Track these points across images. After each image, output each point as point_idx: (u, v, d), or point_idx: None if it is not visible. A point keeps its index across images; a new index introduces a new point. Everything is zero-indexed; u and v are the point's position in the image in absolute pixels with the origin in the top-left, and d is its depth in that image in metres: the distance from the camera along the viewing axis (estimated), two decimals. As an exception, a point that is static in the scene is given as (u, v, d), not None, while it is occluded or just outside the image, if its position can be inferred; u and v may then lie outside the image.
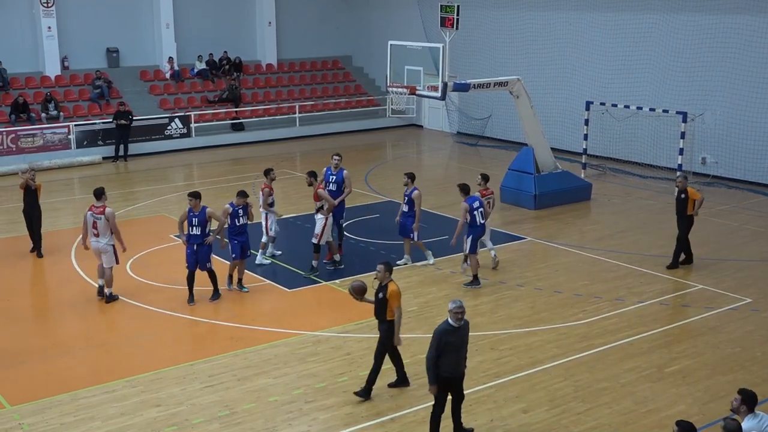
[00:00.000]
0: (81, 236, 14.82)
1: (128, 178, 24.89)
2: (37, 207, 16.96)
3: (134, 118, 27.45)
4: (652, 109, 22.96)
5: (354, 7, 35.36)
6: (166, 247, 17.63)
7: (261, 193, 16.45)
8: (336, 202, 16.36)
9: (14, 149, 25.84)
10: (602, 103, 23.91)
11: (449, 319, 9.43)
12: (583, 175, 23.30)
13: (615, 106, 23.56)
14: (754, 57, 22.46)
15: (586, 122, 23.84)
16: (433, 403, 9.83)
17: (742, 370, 11.96)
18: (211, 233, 14.42)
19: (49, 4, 28.35)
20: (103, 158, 26.91)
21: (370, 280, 15.45)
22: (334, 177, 16.60)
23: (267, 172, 16.65)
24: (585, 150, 24.07)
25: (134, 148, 27.56)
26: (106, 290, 14.49)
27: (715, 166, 23.48)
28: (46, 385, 11.53)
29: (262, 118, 30.99)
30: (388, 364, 12.04)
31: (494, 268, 16.10)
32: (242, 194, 14.79)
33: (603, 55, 26.19)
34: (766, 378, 11.69)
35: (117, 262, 14.56)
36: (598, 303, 14.47)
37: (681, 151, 22.07)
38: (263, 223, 16.49)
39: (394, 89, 20.09)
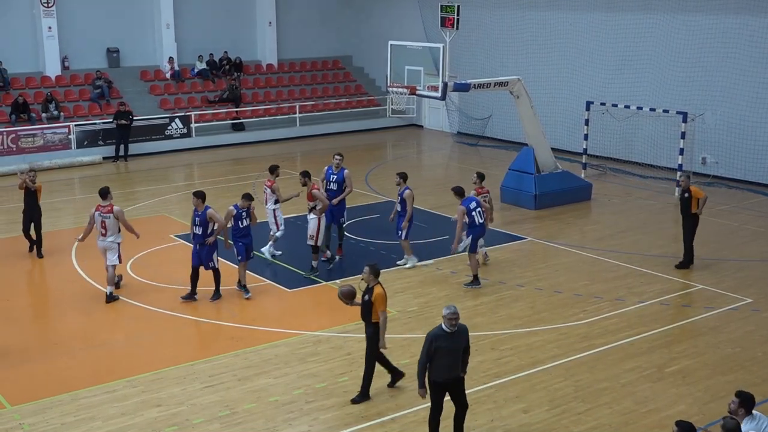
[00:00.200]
0: (82, 234, 14.89)
1: (129, 178, 24.89)
2: (37, 208, 16.95)
3: (134, 118, 27.46)
4: (652, 109, 22.97)
5: (354, 7, 35.36)
6: (166, 247, 17.64)
7: (268, 189, 16.48)
8: (335, 201, 16.40)
9: (14, 149, 25.85)
10: (602, 103, 23.91)
11: (443, 324, 9.37)
12: (583, 175, 23.30)
13: (615, 106, 23.56)
14: (754, 57, 22.46)
15: (587, 122, 23.85)
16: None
17: (743, 370, 11.96)
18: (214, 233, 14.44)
19: (50, 4, 28.36)
20: (104, 158, 26.92)
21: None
22: (335, 176, 16.62)
23: (273, 169, 16.66)
24: (585, 150, 24.08)
25: (135, 148, 27.56)
26: (107, 288, 14.54)
27: (715, 166, 23.49)
28: (46, 385, 11.54)
29: (262, 118, 30.99)
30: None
31: (485, 263, 16.12)
32: (247, 197, 14.70)
33: (603, 55, 26.19)
34: (766, 378, 11.70)
35: (120, 261, 14.64)
36: (599, 303, 14.47)
37: (681, 151, 22.08)
38: (272, 219, 16.63)
39: (395, 89, 20.10)
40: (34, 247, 17.12)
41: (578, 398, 11.08)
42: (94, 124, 27.45)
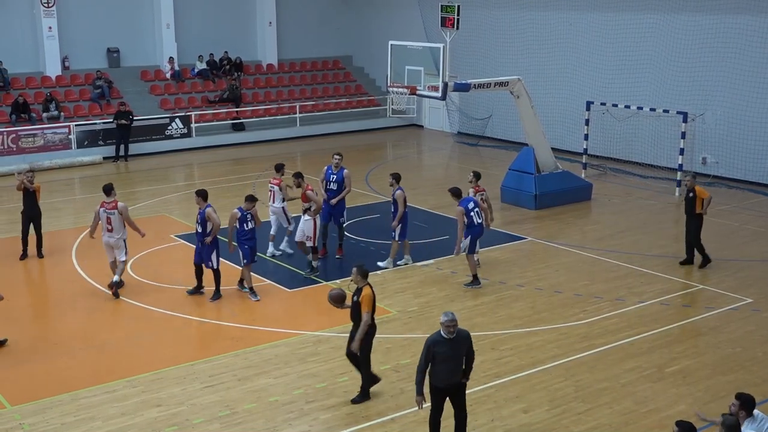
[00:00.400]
0: (89, 230, 15.16)
1: (129, 178, 24.88)
2: (36, 208, 16.94)
3: (135, 118, 27.46)
4: (652, 109, 22.97)
5: (354, 7, 35.36)
6: (166, 247, 17.64)
7: (275, 188, 16.53)
8: (334, 201, 16.44)
9: (15, 149, 25.85)
10: (603, 103, 23.91)
11: (441, 330, 9.21)
12: (583, 175, 23.30)
13: (615, 106, 23.56)
14: (754, 57, 22.46)
15: (587, 122, 23.85)
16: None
17: (743, 370, 11.96)
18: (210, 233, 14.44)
19: (50, 4, 28.37)
20: (104, 158, 26.93)
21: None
22: (335, 176, 16.62)
23: (279, 168, 16.70)
24: (585, 150, 24.08)
25: (135, 148, 27.57)
26: (115, 278, 14.75)
27: (715, 166, 23.48)
28: (46, 385, 11.54)
29: (262, 118, 30.99)
30: (385, 363, 12.05)
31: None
32: (251, 199, 14.58)
33: (603, 55, 26.19)
34: (766, 378, 11.70)
35: (126, 255, 14.93)
36: (599, 303, 14.47)
37: (681, 151, 22.08)
38: (283, 216, 16.76)
39: (395, 89, 20.10)
40: (27, 253, 16.94)
41: (578, 398, 11.08)
42: (95, 124, 27.45)
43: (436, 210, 20.36)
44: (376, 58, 33.37)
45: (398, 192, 15.91)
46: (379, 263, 16.22)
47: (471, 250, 15.08)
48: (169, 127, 28.67)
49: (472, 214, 14.96)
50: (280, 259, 16.74)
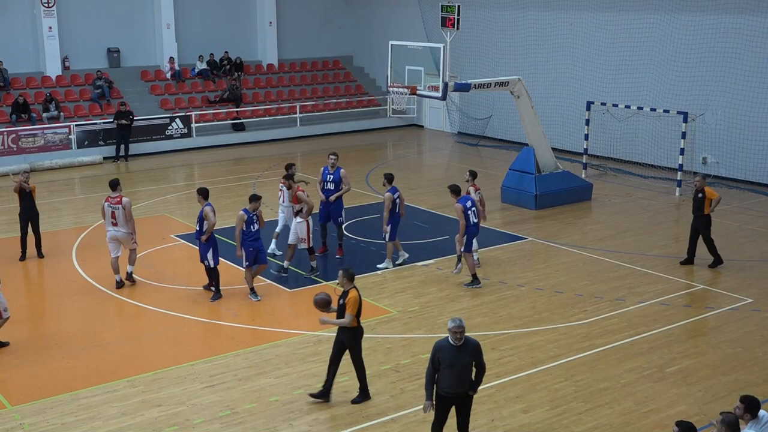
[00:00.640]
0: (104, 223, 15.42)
1: (129, 178, 24.87)
2: (34, 208, 16.93)
3: (135, 118, 27.46)
4: (653, 109, 22.97)
5: (355, 7, 35.37)
6: (167, 246, 17.64)
7: (284, 186, 16.58)
8: (332, 198, 16.45)
9: (15, 149, 25.86)
10: (603, 103, 23.91)
11: (449, 337, 8.99)
12: (583, 175, 23.30)
13: (616, 106, 23.56)
14: (754, 57, 22.46)
15: (587, 122, 23.84)
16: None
17: (743, 370, 11.95)
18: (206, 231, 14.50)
19: (50, 4, 28.37)
20: (104, 158, 26.93)
21: (366, 282, 15.52)
22: (332, 176, 16.63)
23: (288, 167, 16.74)
24: (586, 150, 24.08)
25: (135, 148, 27.57)
26: (129, 268, 15.14)
27: (715, 166, 23.48)
28: (46, 385, 11.54)
29: (262, 118, 30.99)
30: (385, 363, 12.05)
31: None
32: (255, 198, 14.49)
33: (604, 55, 26.19)
34: (766, 378, 11.69)
35: (137, 244, 15.25)
36: (599, 303, 14.47)
37: (682, 151, 22.08)
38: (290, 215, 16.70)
39: (395, 89, 20.09)
40: (27, 254, 16.95)
41: (578, 398, 11.08)
42: (95, 124, 27.46)
43: (436, 210, 20.36)
44: (376, 58, 33.39)
45: (387, 194, 15.96)
46: (379, 266, 16.22)
47: (467, 248, 15.09)
48: (170, 127, 28.67)
49: (469, 213, 14.98)
50: (280, 259, 16.73)
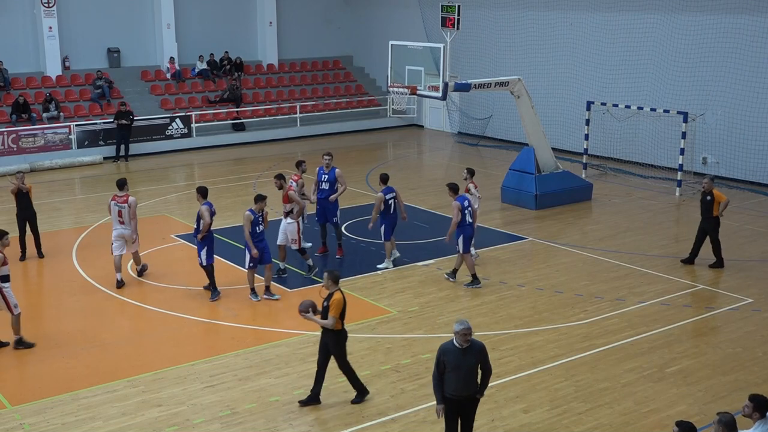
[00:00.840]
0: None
1: (129, 178, 24.65)
2: (31, 208, 16.92)
3: (135, 118, 27.46)
4: (653, 109, 22.96)
5: (355, 7, 35.37)
6: (167, 247, 17.64)
7: (294, 184, 16.59)
8: (332, 198, 16.47)
9: (15, 149, 25.86)
10: (603, 103, 23.91)
11: (454, 339, 8.83)
12: (584, 175, 23.30)
13: (616, 106, 23.56)
14: (754, 57, 22.46)
15: (587, 122, 23.84)
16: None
17: (743, 370, 11.95)
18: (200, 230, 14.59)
19: (50, 4, 28.37)
20: (104, 158, 26.93)
21: (366, 282, 15.52)
22: (327, 176, 16.63)
23: (299, 164, 16.78)
24: (586, 150, 24.07)
25: (135, 148, 27.57)
26: (138, 267, 15.61)
27: (716, 166, 23.48)
28: (47, 385, 11.54)
29: (262, 118, 30.99)
30: (385, 363, 12.05)
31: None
32: (260, 198, 14.44)
33: (604, 55, 26.19)
34: (766, 378, 11.69)
35: (136, 243, 15.50)
36: (599, 303, 14.47)
37: (682, 151, 22.07)
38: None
39: (395, 89, 20.09)
40: (26, 254, 16.94)
41: (579, 398, 11.08)
42: (95, 124, 27.46)
43: (436, 210, 20.35)
44: (376, 58, 33.39)
45: (378, 194, 16.03)
46: (379, 266, 16.22)
47: (466, 248, 15.11)
48: (170, 127, 28.67)
49: (465, 212, 15.03)
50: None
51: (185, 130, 28.93)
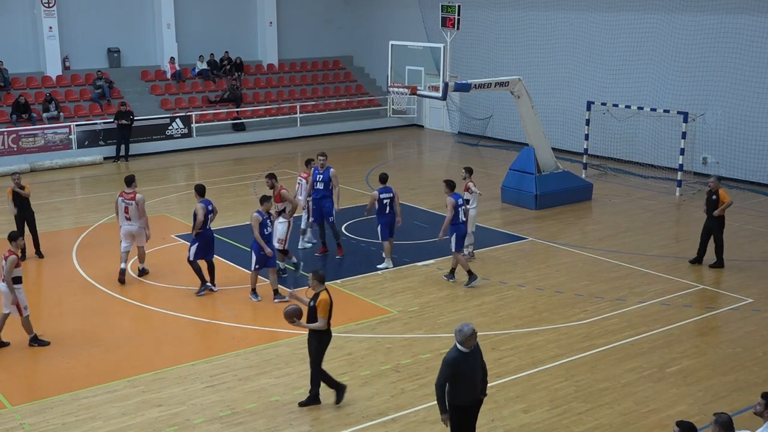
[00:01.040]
0: (117, 218, 15.75)
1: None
2: (29, 208, 16.91)
3: (135, 118, 27.47)
4: (653, 109, 22.96)
5: (355, 7, 35.37)
6: (167, 247, 17.63)
7: (303, 181, 16.76)
8: (337, 207, 16.51)
9: (15, 149, 25.86)
10: (603, 103, 23.91)
11: (460, 345, 8.60)
12: (584, 175, 23.30)
13: (616, 106, 23.56)
14: (755, 57, 22.46)
15: (587, 122, 23.84)
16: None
17: (744, 370, 11.95)
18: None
19: (51, 5, 28.37)
20: (105, 158, 26.94)
21: (366, 282, 15.53)
22: (321, 176, 16.64)
23: (309, 163, 16.94)
24: (586, 150, 24.07)
25: (135, 148, 27.58)
26: (140, 265, 15.74)
27: (716, 166, 23.47)
28: (47, 385, 11.55)
29: (263, 118, 31.00)
30: (385, 363, 12.05)
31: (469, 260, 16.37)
32: (266, 199, 14.44)
33: (604, 55, 26.20)
34: (767, 378, 11.69)
35: (148, 238, 15.72)
36: (600, 303, 14.47)
37: (682, 151, 22.07)
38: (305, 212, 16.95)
39: (395, 89, 20.09)
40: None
41: (579, 398, 11.08)
42: (95, 124, 27.46)
43: (436, 210, 20.35)
44: (376, 58, 33.38)
45: (373, 193, 16.07)
46: (379, 266, 16.21)
47: (458, 247, 15.13)
48: (170, 127, 28.68)
49: (459, 210, 15.09)
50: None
51: (185, 130, 28.94)
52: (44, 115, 27.18)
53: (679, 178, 22.17)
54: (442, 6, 20.22)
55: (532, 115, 20.68)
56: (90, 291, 15.14)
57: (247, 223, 18.68)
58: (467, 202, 16.14)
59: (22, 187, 16.75)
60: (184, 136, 28.90)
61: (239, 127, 30.42)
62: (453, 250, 15.20)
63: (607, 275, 15.90)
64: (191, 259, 14.69)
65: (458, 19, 19.71)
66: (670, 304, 14.44)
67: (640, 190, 22.68)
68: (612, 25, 25.90)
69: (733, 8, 22.66)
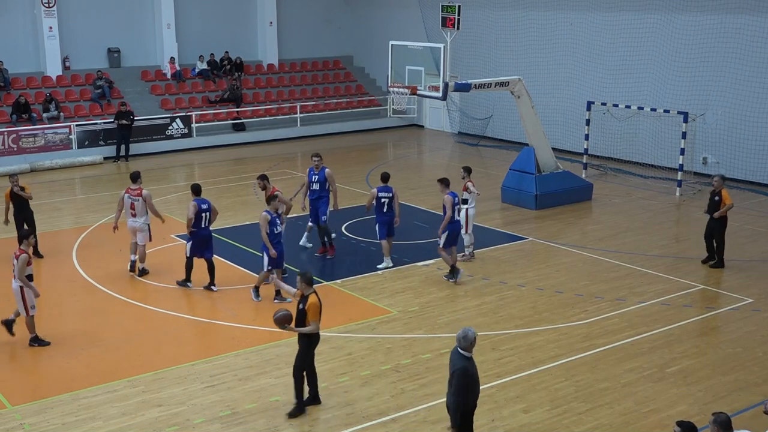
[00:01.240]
0: (114, 218, 15.89)
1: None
2: (28, 208, 16.91)
3: (135, 118, 27.46)
4: (653, 109, 22.96)
5: (355, 7, 35.37)
6: (167, 247, 17.63)
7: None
8: (337, 206, 16.49)
9: (15, 149, 25.85)
10: (603, 103, 23.91)
11: (464, 350, 8.55)
12: (584, 175, 23.30)
13: (616, 106, 23.55)
14: (755, 57, 22.46)
15: (587, 122, 23.84)
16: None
17: (744, 370, 11.95)
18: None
19: (51, 5, 28.37)
20: (105, 158, 26.94)
21: (366, 282, 15.52)
22: (317, 177, 16.64)
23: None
24: (586, 150, 24.07)
25: (135, 148, 27.57)
26: (139, 265, 15.75)
27: (716, 166, 23.46)
28: (47, 385, 11.55)
29: (263, 119, 30.99)
30: (386, 363, 12.04)
31: (468, 260, 16.49)
32: (273, 198, 14.35)
33: (604, 55, 26.19)
34: (766, 378, 11.69)
35: (150, 239, 15.84)
36: (600, 303, 14.47)
37: (682, 151, 22.07)
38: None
39: (395, 89, 20.09)
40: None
41: (579, 398, 11.07)
42: (95, 124, 27.46)
43: (436, 210, 20.32)
44: (376, 58, 33.38)
45: (372, 191, 16.13)
46: (379, 266, 16.21)
47: (447, 244, 15.18)
48: (170, 127, 28.67)
49: (456, 207, 15.12)
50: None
51: (185, 130, 28.93)
52: (44, 115, 27.18)
53: (679, 178, 22.16)
54: (442, 6, 20.22)
55: (533, 115, 20.68)
56: (90, 291, 15.14)
57: (248, 223, 18.77)
58: (465, 201, 16.19)
59: (23, 189, 16.75)
60: (184, 136, 28.90)
61: (239, 127, 30.42)
62: (440, 245, 15.27)
63: (607, 275, 15.90)
64: (187, 255, 14.94)
65: (458, 19, 19.71)
66: (671, 304, 14.44)
67: (640, 190, 22.68)
68: (612, 25, 25.90)
69: (733, 8, 22.66)
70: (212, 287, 14.92)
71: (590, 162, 24.37)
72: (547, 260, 16.93)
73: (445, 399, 9.09)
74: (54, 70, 28.98)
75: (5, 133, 25.73)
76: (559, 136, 26.53)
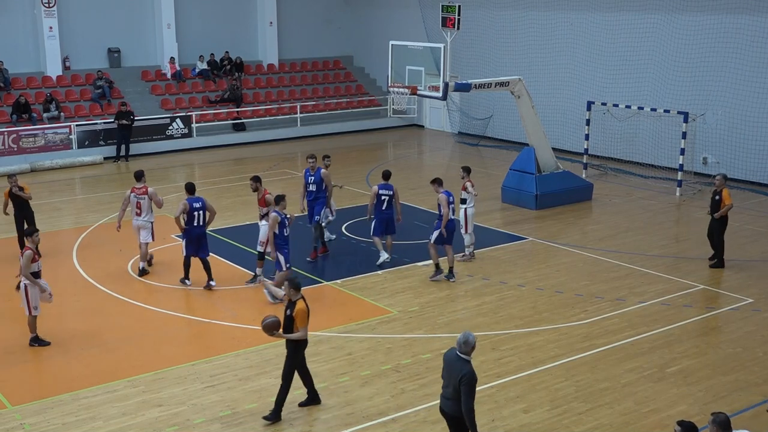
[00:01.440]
0: (117, 218, 16.00)
1: (129, 178, 24.74)
2: (28, 208, 16.91)
3: (135, 118, 27.46)
4: (653, 109, 22.96)
5: (355, 7, 35.37)
6: (167, 247, 17.63)
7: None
8: (329, 198, 16.51)
9: (15, 149, 25.86)
10: (603, 103, 23.91)
11: (465, 354, 8.51)
12: (584, 175, 23.30)
13: (616, 106, 23.56)
14: (755, 57, 22.46)
15: (588, 122, 23.84)
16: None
17: (744, 370, 11.95)
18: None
19: (51, 5, 28.38)
20: (105, 158, 26.94)
21: (366, 282, 15.52)
22: (313, 177, 16.65)
23: (324, 158, 17.13)
24: (586, 150, 24.07)
25: (135, 148, 27.57)
26: (141, 264, 15.79)
27: (716, 166, 23.46)
28: (47, 385, 11.56)
29: (263, 119, 30.99)
30: (386, 363, 12.04)
31: (468, 260, 16.51)
32: (281, 198, 14.29)
33: (604, 55, 26.19)
34: (767, 378, 11.69)
35: (152, 239, 15.94)
36: (600, 303, 14.47)
37: (682, 151, 22.07)
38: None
39: (396, 89, 20.09)
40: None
41: (579, 398, 11.07)
42: (95, 124, 27.46)
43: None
44: (376, 58, 33.37)
45: (373, 188, 16.15)
46: (378, 263, 16.21)
47: (438, 241, 15.20)
48: (170, 127, 28.68)
49: (452, 206, 15.16)
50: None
51: (185, 130, 28.93)
52: (44, 115, 27.18)
53: (679, 178, 22.16)
54: (442, 6, 20.22)
55: (533, 115, 20.68)
56: (90, 291, 15.15)
57: (247, 223, 18.78)
58: (463, 201, 16.20)
59: (22, 189, 16.75)
60: (184, 136, 28.90)
61: (239, 127, 30.42)
62: (431, 241, 15.30)
63: (607, 275, 15.90)
64: (184, 253, 15.08)
65: (458, 19, 19.71)
66: (671, 304, 14.44)
67: (640, 190, 22.68)
68: (612, 25, 25.90)
69: (733, 8, 22.66)
70: (211, 282, 14.92)
71: (590, 162, 24.36)
72: (547, 260, 16.93)
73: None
74: (54, 70, 28.98)
75: (5, 133, 25.73)
76: (559, 136, 26.53)
